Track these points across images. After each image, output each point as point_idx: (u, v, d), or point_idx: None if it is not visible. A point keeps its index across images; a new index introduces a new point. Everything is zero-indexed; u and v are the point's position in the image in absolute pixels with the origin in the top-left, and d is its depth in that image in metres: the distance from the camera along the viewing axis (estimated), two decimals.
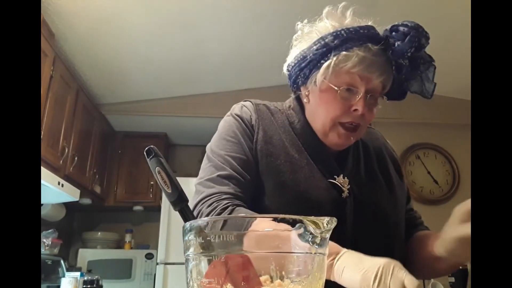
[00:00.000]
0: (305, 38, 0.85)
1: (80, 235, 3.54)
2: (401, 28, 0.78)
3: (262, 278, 0.44)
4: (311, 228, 0.45)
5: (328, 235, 0.47)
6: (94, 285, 2.73)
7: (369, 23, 0.84)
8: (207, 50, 2.75)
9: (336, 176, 0.84)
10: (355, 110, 0.79)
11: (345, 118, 0.81)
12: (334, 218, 0.47)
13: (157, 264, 3.00)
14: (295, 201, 0.80)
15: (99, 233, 3.50)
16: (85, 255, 3.27)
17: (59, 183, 2.34)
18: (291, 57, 0.87)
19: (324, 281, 0.48)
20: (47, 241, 2.73)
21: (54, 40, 2.39)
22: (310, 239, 0.45)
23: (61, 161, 2.47)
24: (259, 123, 0.87)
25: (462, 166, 3.40)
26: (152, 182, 3.39)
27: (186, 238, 0.49)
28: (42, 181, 2.11)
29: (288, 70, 0.88)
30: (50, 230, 2.79)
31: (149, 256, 3.34)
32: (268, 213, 0.83)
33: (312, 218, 0.45)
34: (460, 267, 2.47)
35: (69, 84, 2.60)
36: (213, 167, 0.82)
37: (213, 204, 0.75)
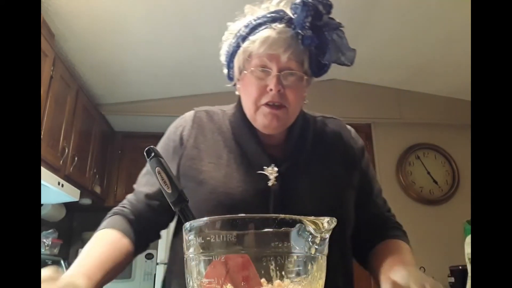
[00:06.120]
0: (228, 36, 0.90)
1: (80, 235, 3.53)
2: (297, 1, 0.81)
3: None
4: (310, 228, 0.45)
5: (328, 235, 0.47)
6: None
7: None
8: (207, 50, 2.74)
9: (266, 167, 0.85)
10: (271, 89, 0.82)
11: (264, 98, 0.83)
12: (334, 218, 0.47)
13: (157, 264, 3.00)
14: (209, 196, 0.82)
15: None
16: None
17: (59, 183, 2.34)
18: (222, 57, 0.93)
19: (324, 281, 0.48)
20: (47, 241, 2.73)
21: (54, 41, 2.39)
22: (309, 240, 0.45)
23: (61, 161, 2.46)
24: (191, 132, 0.93)
25: (462, 166, 3.40)
26: None
27: (186, 238, 0.49)
28: (42, 181, 2.11)
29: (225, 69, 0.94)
30: (50, 230, 2.79)
31: (149, 256, 3.33)
32: None
33: (312, 218, 0.45)
34: (460, 267, 2.48)
35: (69, 84, 2.59)
36: (142, 181, 0.95)
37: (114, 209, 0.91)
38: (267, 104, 0.83)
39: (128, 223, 0.87)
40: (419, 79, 3.34)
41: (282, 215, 0.45)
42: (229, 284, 0.43)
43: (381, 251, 0.86)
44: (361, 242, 0.91)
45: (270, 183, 0.83)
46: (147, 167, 0.95)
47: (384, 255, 0.82)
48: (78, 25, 2.40)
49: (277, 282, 0.44)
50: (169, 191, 0.61)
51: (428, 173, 3.42)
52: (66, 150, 2.55)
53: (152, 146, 0.64)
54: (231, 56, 0.89)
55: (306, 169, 0.88)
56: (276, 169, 0.85)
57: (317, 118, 0.99)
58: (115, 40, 2.57)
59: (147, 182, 0.93)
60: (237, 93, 0.92)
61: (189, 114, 0.98)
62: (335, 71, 4.14)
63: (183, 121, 0.96)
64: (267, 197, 0.83)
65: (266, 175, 0.84)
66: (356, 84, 3.51)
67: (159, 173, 0.62)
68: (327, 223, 0.46)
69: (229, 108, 0.98)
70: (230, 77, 0.93)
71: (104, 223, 0.86)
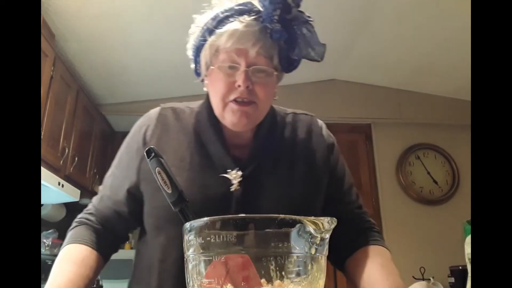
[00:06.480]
0: (195, 29, 0.86)
1: None
2: None
3: None
4: (310, 228, 0.45)
5: (328, 236, 0.47)
6: (94, 285, 2.72)
7: None
8: None
9: (230, 170, 0.82)
10: (239, 85, 0.78)
11: (232, 95, 0.79)
12: (334, 218, 0.47)
13: None
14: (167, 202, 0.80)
15: None
16: None
17: (59, 184, 2.34)
18: (189, 51, 0.88)
19: (324, 281, 0.48)
20: (48, 242, 2.73)
21: (55, 41, 2.39)
22: (310, 240, 0.45)
23: (61, 162, 2.46)
24: (154, 131, 0.89)
25: (462, 166, 3.40)
26: None
27: (186, 238, 0.49)
28: (42, 182, 2.11)
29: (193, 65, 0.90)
30: (50, 231, 2.79)
31: None
32: (148, 219, 0.85)
33: (312, 218, 0.45)
34: (460, 267, 2.47)
35: (69, 84, 2.59)
36: (107, 183, 0.91)
37: (80, 217, 0.89)
38: (235, 101, 0.79)
39: (95, 233, 0.84)
40: (419, 79, 3.34)
41: (282, 215, 0.45)
42: (229, 284, 0.43)
43: (363, 265, 0.81)
44: (336, 243, 0.86)
45: (232, 188, 0.80)
46: (111, 169, 0.92)
47: (371, 274, 0.79)
48: (78, 25, 2.40)
49: (277, 282, 0.44)
50: (169, 191, 0.61)
51: (428, 173, 3.42)
52: (66, 150, 2.55)
53: (152, 146, 0.65)
54: (198, 51, 0.84)
55: (272, 171, 0.85)
56: (240, 173, 0.81)
57: (287, 115, 0.95)
58: (115, 40, 2.58)
59: (112, 185, 0.89)
60: (204, 89, 0.88)
61: (154, 112, 0.93)
62: (335, 71, 4.11)
63: (147, 120, 0.92)
64: (228, 203, 0.80)
65: (229, 179, 0.81)
66: (356, 84, 3.51)
67: (159, 173, 0.62)
68: (327, 223, 0.46)
69: (197, 106, 0.93)
70: (197, 73, 0.89)
71: (70, 235, 0.84)
